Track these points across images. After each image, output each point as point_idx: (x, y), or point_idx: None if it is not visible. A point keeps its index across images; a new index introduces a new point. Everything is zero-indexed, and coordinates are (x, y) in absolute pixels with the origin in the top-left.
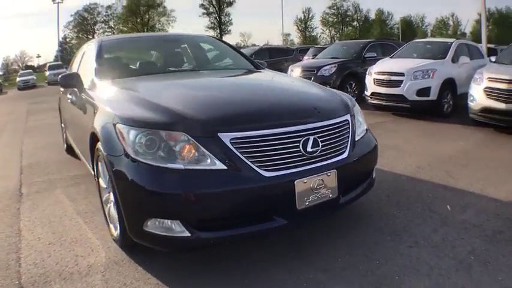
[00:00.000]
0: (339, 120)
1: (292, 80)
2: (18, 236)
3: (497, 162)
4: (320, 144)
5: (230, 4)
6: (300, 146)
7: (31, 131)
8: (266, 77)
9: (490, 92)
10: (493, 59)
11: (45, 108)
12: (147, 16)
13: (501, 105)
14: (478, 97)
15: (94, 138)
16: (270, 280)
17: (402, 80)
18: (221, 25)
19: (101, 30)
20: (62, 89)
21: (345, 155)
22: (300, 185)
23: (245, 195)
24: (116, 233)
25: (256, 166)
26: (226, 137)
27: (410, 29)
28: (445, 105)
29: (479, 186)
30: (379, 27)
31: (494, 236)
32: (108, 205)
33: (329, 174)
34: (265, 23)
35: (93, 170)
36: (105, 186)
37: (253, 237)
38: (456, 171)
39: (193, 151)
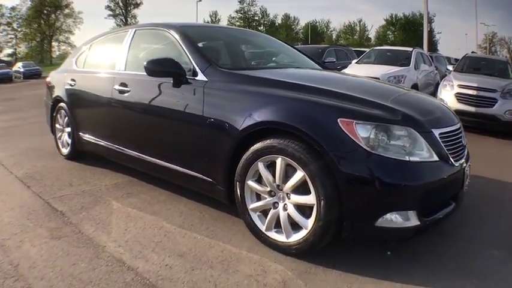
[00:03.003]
0: None
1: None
2: (132, 270)
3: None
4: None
5: (137, 5)
6: (462, 139)
7: None
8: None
9: (460, 97)
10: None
11: None
12: (53, 17)
13: (471, 109)
14: (449, 101)
15: (249, 135)
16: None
17: None
18: None
19: (4, 33)
20: (70, 82)
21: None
22: (466, 172)
23: (448, 182)
24: (294, 239)
25: (451, 157)
26: (436, 132)
27: (315, 33)
28: None
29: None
30: (285, 32)
31: None
32: (274, 211)
33: (469, 163)
34: None
35: (226, 175)
36: (267, 189)
37: (445, 219)
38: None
39: (418, 145)
